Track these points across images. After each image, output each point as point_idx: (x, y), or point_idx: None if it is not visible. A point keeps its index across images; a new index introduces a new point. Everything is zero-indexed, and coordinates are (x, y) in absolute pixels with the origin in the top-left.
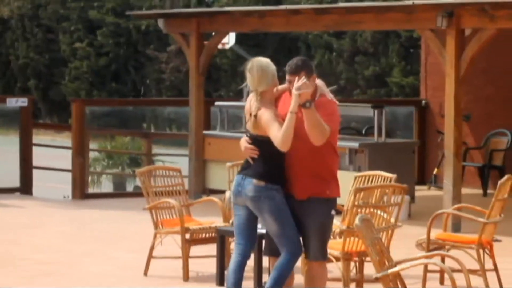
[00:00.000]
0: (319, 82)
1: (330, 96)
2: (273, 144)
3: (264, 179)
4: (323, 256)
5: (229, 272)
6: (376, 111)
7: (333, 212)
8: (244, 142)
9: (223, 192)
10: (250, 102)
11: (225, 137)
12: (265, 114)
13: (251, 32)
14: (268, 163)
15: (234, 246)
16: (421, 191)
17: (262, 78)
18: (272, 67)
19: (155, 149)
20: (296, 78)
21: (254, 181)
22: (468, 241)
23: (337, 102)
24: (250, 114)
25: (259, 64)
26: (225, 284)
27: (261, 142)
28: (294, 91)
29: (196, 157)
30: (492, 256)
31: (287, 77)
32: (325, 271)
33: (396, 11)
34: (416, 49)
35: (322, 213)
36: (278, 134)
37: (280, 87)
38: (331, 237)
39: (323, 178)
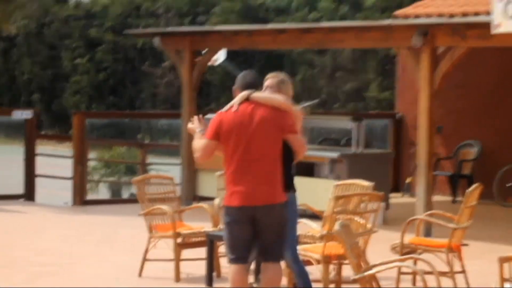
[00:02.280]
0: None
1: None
2: None
3: None
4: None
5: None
6: (354, 124)
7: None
8: None
9: (212, 199)
10: None
11: None
12: None
13: (240, 50)
14: None
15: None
16: (395, 199)
17: None
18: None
19: (150, 159)
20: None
21: None
22: (438, 246)
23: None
24: None
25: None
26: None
27: None
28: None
29: (187, 167)
30: (460, 259)
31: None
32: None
33: (375, 30)
34: (392, 65)
35: None
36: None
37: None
38: (314, 241)
39: None
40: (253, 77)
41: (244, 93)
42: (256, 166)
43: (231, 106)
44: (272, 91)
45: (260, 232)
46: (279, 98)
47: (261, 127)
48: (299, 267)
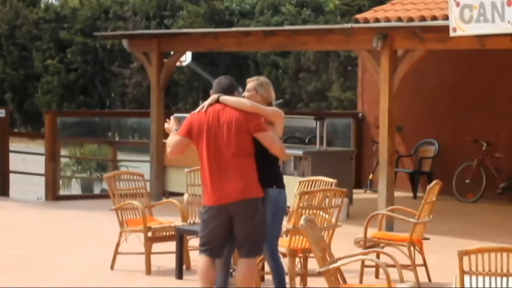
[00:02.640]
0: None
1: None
2: None
3: None
4: None
5: None
6: (318, 123)
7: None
8: None
9: (181, 194)
10: None
11: None
12: None
13: (206, 52)
14: None
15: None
16: (358, 194)
17: None
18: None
19: (120, 156)
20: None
21: None
22: (400, 239)
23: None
24: None
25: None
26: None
27: None
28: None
29: (157, 163)
30: (421, 252)
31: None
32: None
33: (336, 33)
34: (354, 67)
35: None
36: None
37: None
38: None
39: None
40: (228, 82)
41: (214, 96)
42: (228, 164)
43: (202, 107)
44: (251, 93)
45: (236, 228)
46: (245, 102)
47: (228, 127)
48: (276, 265)
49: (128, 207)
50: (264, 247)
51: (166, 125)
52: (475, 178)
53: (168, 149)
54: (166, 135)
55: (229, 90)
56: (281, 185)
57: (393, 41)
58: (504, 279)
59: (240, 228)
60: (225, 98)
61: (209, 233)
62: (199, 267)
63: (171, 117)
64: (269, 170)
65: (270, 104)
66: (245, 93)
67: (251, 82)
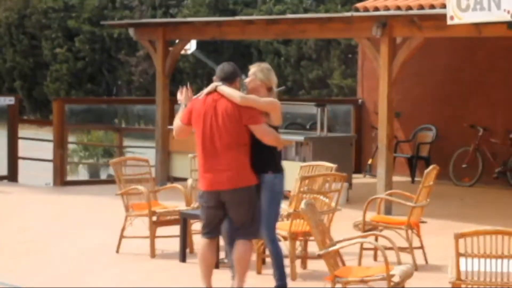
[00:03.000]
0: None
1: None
2: None
3: None
4: None
5: None
6: (319, 109)
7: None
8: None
9: (185, 180)
10: None
11: None
12: None
13: (210, 40)
14: None
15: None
16: (358, 179)
17: None
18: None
19: (126, 142)
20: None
21: None
22: (398, 223)
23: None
24: None
25: None
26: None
27: None
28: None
29: (162, 149)
30: (419, 235)
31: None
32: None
33: (337, 21)
34: (354, 55)
35: None
36: None
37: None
38: (282, 219)
39: None
40: (231, 68)
41: (213, 85)
42: (221, 153)
43: (201, 94)
44: (251, 78)
45: (229, 213)
46: (236, 95)
47: (222, 118)
48: (274, 248)
49: (134, 192)
50: (262, 230)
51: (178, 95)
52: (471, 162)
53: (173, 133)
54: (171, 122)
55: (231, 77)
56: (277, 170)
57: (392, 29)
58: (499, 260)
59: (233, 213)
60: (221, 88)
61: (207, 217)
62: (200, 248)
63: (184, 89)
64: (265, 157)
65: (270, 89)
66: (247, 79)
67: (252, 68)
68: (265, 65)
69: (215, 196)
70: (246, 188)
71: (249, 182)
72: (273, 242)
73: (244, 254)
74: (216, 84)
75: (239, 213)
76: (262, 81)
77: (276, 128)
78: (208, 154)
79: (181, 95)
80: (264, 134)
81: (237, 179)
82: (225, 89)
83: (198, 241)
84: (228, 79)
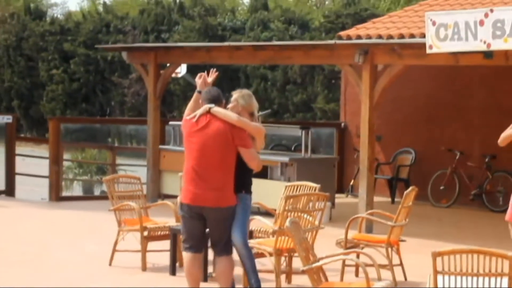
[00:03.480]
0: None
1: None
2: None
3: None
4: None
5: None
6: (303, 132)
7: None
8: None
9: (175, 197)
10: None
11: (177, 151)
12: None
13: (200, 64)
14: None
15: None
16: (340, 199)
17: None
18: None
19: (119, 160)
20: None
21: None
22: (379, 241)
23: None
24: None
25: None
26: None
27: None
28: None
29: (153, 167)
30: (398, 253)
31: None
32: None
33: (321, 49)
34: (337, 80)
35: None
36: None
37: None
38: (267, 236)
39: None
40: (216, 92)
41: (206, 106)
42: (208, 172)
43: (194, 116)
44: (233, 104)
45: (209, 229)
46: (232, 116)
47: (214, 138)
48: (247, 251)
49: (126, 208)
50: (236, 236)
51: (197, 78)
52: (448, 185)
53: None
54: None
55: (218, 99)
56: (248, 191)
57: (374, 56)
58: (475, 278)
59: (213, 230)
60: (216, 110)
61: (187, 230)
62: (185, 263)
63: (204, 74)
64: (242, 178)
65: (252, 114)
66: (230, 104)
67: (234, 94)
68: (246, 91)
69: (196, 211)
70: (229, 208)
71: (232, 202)
72: (246, 246)
73: (225, 269)
74: (208, 106)
75: (219, 229)
76: (243, 106)
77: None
78: (197, 171)
79: (199, 78)
80: (252, 159)
81: (223, 198)
82: (219, 110)
83: None
84: (216, 102)
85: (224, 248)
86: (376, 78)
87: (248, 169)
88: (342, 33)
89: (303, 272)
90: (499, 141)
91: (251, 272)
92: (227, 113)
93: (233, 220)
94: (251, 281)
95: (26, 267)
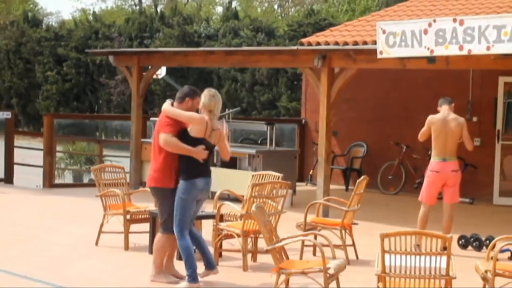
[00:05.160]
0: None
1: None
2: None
3: None
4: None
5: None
6: (268, 127)
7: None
8: (202, 149)
9: None
10: (207, 121)
11: None
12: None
13: (178, 67)
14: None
15: (181, 230)
16: (301, 187)
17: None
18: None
19: (105, 152)
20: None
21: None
22: (334, 224)
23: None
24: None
25: (217, 94)
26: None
27: (213, 150)
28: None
29: (135, 158)
30: (351, 235)
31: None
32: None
33: (285, 54)
34: (299, 82)
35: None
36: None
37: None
38: (236, 219)
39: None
40: (184, 90)
41: (165, 104)
42: (154, 157)
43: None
44: (197, 101)
45: None
46: (164, 108)
47: (156, 128)
48: (179, 241)
49: (111, 194)
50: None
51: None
52: (396, 174)
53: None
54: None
55: (182, 97)
56: (184, 178)
57: (331, 61)
58: (418, 257)
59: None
60: (164, 106)
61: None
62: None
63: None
64: (180, 165)
65: (210, 111)
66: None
67: (203, 92)
68: (212, 92)
69: (151, 192)
70: (164, 189)
71: (167, 185)
72: (179, 237)
73: (156, 245)
74: (167, 102)
75: (158, 208)
76: (203, 104)
77: (199, 140)
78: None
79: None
80: (161, 142)
81: (159, 179)
82: (164, 105)
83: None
84: (179, 98)
85: (160, 226)
86: (333, 80)
87: (183, 156)
88: (304, 40)
89: (267, 251)
90: (418, 137)
91: (185, 260)
92: (163, 107)
93: (168, 203)
94: (186, 267)
95: (20, 246)
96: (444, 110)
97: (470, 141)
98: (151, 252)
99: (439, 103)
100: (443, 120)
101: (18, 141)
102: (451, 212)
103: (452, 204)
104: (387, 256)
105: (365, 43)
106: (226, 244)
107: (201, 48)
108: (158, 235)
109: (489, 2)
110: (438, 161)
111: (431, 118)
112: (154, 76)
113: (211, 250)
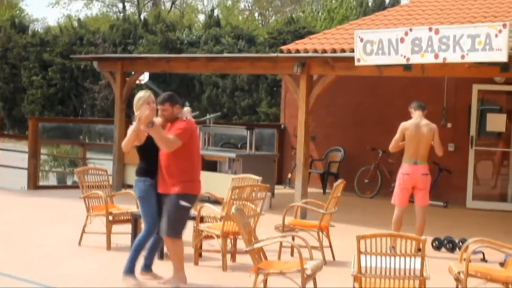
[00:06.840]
0: (185, 109)
1: (189, 118)
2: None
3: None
4: (171, 234)
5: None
6: (248, 132)
7: (182, 203)
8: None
9: None
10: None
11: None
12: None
13: (161, 72)
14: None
15: (147, 225)
16: (279, 190)
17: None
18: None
19: (89, 155)
20: (159, 106)
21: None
22: (311, 226)
23: (193, 122)
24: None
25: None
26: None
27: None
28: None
29: (118, 161)
30: (328, 237)
31: (158, 106)
32: (175, 246)
33: (265, 61)
34: (278, 88)
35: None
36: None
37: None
38: (216, 220)
39: (173, 177)
40: (164, 96)
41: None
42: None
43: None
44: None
45: None
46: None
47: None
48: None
49: (94, 196)
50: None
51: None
52: (372, 178)
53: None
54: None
55: (162, 102)
56: (138, 174)
57: (310, 68)
58: (392, 258)
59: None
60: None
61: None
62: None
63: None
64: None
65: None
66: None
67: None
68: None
69: None
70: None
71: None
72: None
73: (173, 251)
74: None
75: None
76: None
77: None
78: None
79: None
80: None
81: None
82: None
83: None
84: (160, 103)
85: (168, 229)
86: (311, 87)
87: (141, 155)
88: (283, 47)
89: (246, 252)
90: (390, 147)
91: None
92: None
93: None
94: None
95: (5, 246)
96: (417, 116)
97: (440, 147)
98: None
99: (413, 106)
100: (416, 125)
101: (4, 144)
102: (423, 215)
103: (423, 206)
104: (363, 257)
105: (343, 50)
106: (206, 245)
107: (183, 55)
108: (168, 241)
109: (463, 12)
110: (409, 164)
111: (404, 124)
112: (137, 82)
113: (191, 250)
